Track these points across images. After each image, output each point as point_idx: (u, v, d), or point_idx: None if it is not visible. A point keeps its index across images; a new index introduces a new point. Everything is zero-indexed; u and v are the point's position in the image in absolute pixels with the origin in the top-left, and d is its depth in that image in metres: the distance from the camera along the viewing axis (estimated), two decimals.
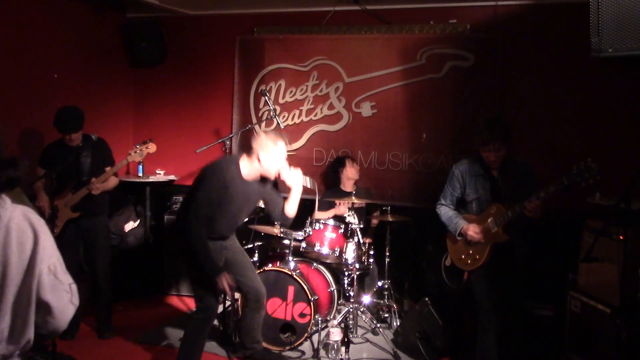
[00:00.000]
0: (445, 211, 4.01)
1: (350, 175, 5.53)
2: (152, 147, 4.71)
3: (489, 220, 3.75)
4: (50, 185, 4.26)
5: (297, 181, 3.90)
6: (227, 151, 5.17)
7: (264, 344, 4.41)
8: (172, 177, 6.34)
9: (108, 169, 4.67)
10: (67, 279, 1.86)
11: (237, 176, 3.76)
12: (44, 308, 1.80)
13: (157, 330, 5.02)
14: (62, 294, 1.84)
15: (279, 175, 3.86)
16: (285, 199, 4.03)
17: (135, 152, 4.66)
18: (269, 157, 3.75)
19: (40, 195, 4.57)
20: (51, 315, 1.82)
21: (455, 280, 4.13)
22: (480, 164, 3.87)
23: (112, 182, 4.77)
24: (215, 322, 4.61)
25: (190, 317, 4.16)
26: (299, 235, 4.89)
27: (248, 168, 3.80)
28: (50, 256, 1.82)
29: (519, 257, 3.81)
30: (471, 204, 3.92)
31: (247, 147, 3.92)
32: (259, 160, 3.75)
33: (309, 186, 3.98)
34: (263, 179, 3.91)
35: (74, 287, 1.91)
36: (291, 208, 3.99)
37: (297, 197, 3.97)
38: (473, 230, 3.82)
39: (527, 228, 3.77)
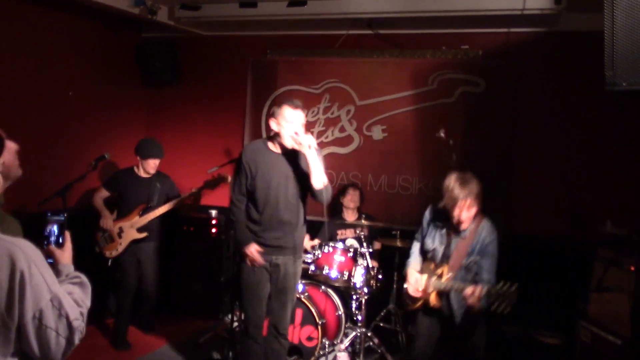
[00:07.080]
0: (413, 249, 3.98)
1: (345, 203, 5.48)
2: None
3: (433, 279, 3.63)
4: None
5: (308, 145, 3.65)
6: None
7: None
8: None
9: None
10: (55, 323, 1.68)
11: (263, 148, 3.91)
12: (28, 346, 1.68)
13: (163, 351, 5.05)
14: (49, 339, 1.68)
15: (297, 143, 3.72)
16: None
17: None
18: (281, 121, 3.75)
19: (104, 215, 5.01)
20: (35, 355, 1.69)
21: (403, 303, 4.10)
22: (446, 217, 3.63)
23: (165, 208, 5.12)
24: None
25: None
26: (308, 258, 4.89)
27: (273, 140, 3.90)
28: (38, 301, 1.65)
29: (463, 330, 3.64)
30: (427, 252, 3.82)
31: None
32: (274, 128, 3.82)
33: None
34: (293, 153, 3.82)
35: (77, 323, 1.74)
36: (315, 179, 3.69)
37: (314, 164, 3.67)
38: (414, 288, 3.75)
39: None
